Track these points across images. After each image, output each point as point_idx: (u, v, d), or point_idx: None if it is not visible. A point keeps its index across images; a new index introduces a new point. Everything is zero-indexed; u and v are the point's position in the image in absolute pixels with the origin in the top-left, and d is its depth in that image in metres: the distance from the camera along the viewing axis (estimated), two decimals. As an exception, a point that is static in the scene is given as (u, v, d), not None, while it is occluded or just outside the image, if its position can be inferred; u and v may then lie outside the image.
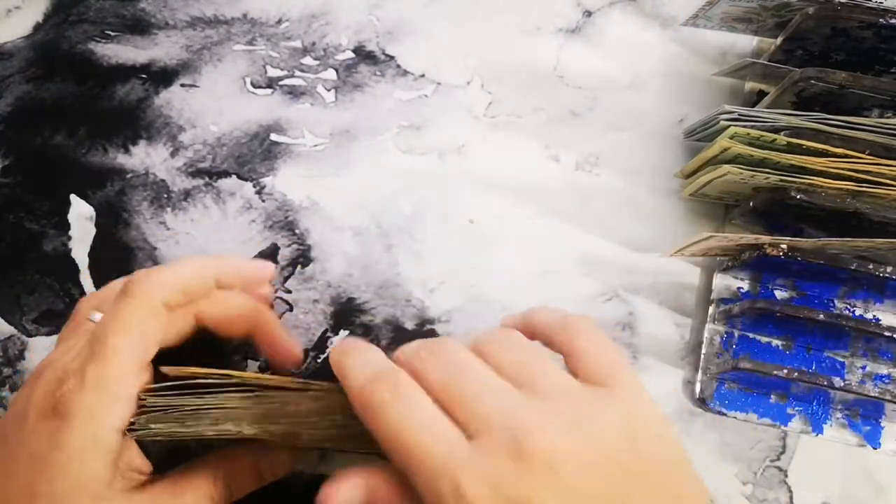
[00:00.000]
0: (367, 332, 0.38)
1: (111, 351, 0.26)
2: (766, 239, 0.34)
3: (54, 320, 0.38)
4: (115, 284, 0.31)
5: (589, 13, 0.44)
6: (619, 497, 0.24)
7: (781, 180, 0.34)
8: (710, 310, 0.38)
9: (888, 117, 0.36)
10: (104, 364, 0.26)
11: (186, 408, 0.27)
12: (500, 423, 0.24)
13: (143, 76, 0.43)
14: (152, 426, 0.27)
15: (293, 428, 0.27)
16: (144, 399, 0.27)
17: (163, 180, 0.41)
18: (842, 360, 0.37)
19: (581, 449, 0.24)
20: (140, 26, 0.44)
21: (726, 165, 0.34)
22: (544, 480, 0.23)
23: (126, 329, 0.27)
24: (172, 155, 0.41)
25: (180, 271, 0.29)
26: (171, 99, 0.42)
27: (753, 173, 0.34)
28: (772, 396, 0.37)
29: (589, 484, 0.23)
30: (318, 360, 0.38)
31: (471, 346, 0.27)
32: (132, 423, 0.27)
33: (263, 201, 0.40)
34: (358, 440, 0.27)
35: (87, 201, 0.40)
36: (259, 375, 0.28)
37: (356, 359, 0.27)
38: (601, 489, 0.23)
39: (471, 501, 0.22)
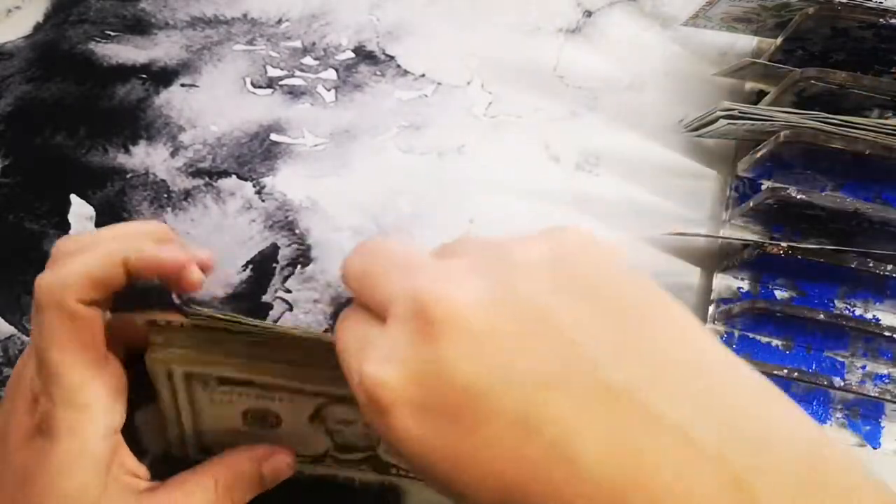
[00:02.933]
0: (368, 332, 0.38)
1: (56, 370, 0.26)
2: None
3: (54, 320, 0.38)
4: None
5: (589, 13, 0.44)
6: (545, 332, 0.19)
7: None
8: (710, 310, 0.38)
9: (888, 117, 0.36)
10: (58, 383, 0.26)
11: (208, 338, 0.27)
12: (403, 294, 0.21)
13: (144, 76, 0.43)
14: (171, 350, 0.27)
15: (318, 378, 0.27)
16: (164, 325, 0.27)
17: (163, 180, 0.41)
18: (842, 359, 0.37)
19: (486, 291, 0.20)
20: (140, 26, 0.44)
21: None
22: (448, 335, 0.19)
23: (56, 342, 0.26)
24: (172, 155, 0.41)
25: (80, 265, 0.26)
26: (172, 99, 0.42)
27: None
28: (772, 396, 0.37)
29: (499, 326, 0.19)
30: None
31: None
32: (151, 344, 0.26)
33: (263, 201, 0.40)
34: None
35: (87, 201, 0.40)
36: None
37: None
38: (518, 328, 0.19)
39: (373, 388, 0.20)
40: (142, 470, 0.28)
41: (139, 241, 0.27)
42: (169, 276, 0.27)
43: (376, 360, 0.20)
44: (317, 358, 0.26)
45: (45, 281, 0.26)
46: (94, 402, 0.26)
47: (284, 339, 0.27)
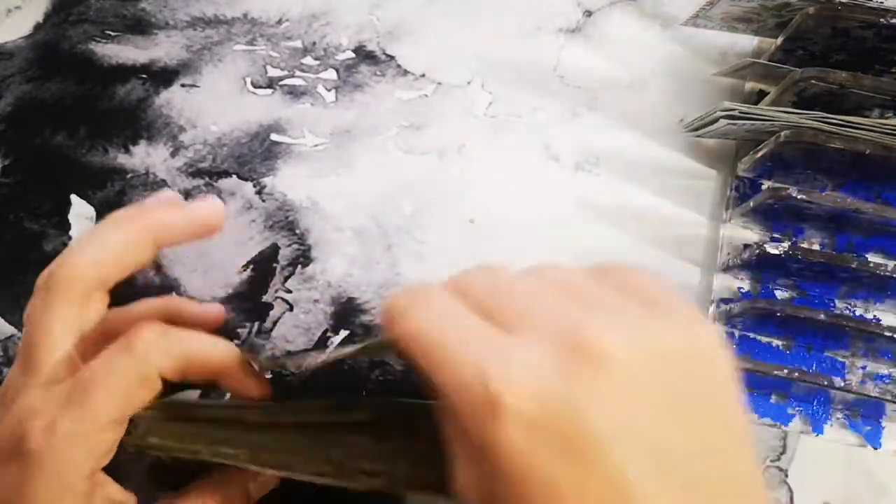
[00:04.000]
0: (368, 332, 0.38)
1: (93, 407, 0.25)
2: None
3: (54, 320, 0.38)
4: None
5: (589, 13, 0.44)
6: (670, 415, 0.20)
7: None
8: (711, 310, 0.38)
9: (888, 117, 0.36)
10: (82, 418, 0.25)
11: (185, 427, 0.27)
12: (547, 314, 0.21)
13: (144, 76, 0.43)
14: (150, 439, 0.27)
15: (289, 460, 0.27)
16: (143, 415, 0.27)
17: (163, 180, 0.41)
18: (842, 360, 0.37)
19: (639, 352, 0.20)
20: (140, 26, 0.44)
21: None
22: (593, 378, 0.19)
23: (111, 386, 0.25)
24: (173, 155, 0.41)
25: (88, 257, 0.26)
26: (172, 99, 0.42)
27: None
28: (772, 396, 0.37)
29: (641, 394, 0.20)
30: (318, 360, 0.38)
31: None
32: (128, 433, 0.27)
33: (264, 201, 0.40)
34: (353, 477, 0.27)
35: (87, 201, 0.40)
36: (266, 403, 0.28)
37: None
38: (652, 403, 0.20)
39: (498, 389, 0.19)
40: (128, 498, 0.27)
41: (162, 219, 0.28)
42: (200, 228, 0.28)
43: (509, 366, 0.19)
44: (290, 441, 0.27)
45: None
46: (94, 448, 0.25)
47: (256, 421, 0.28)
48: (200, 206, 0.28)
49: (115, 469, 0.27)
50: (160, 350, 0.26)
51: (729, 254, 0.39)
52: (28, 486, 0.25)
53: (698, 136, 0.40)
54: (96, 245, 0.27)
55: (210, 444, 0.27)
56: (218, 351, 0.27)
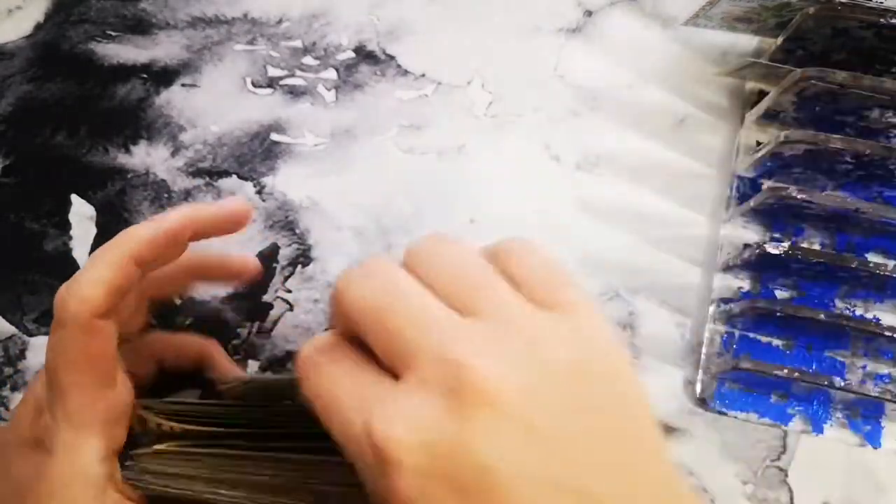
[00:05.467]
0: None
1: (63, 386, 0.26)
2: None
3: (55, 320, 0.38)
4: None
5: (589, 13, 0.44)
6: (567, 437, 0.20)
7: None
8: (711, 310, 0.38)
9: (888, 117, 0.36)
10: (62, 400, 0.26)
11: (181, 471, 0.27)
12: (428, 355, 0.20)
13: (144, 76, 0.43)
14: (146, 476, 0.27)
15: (287, 501, 0.27)
16: (139, 452, 0.27)
17: (163, 180, 0.41)
18: (842, 359, 0.37)
19: (526, 380, 0.20)
20: (141, 26, 0.44)
21: None
22: (481, 418, 0.19)
23: (68, 360, 0.26)
24: (173, 154, 0.41)
25: (95, 277, 0.26)
26: (172, 99, 0.42)
27: None
28: (772, 396, 0.37)
29: (534, 421, 0.19)
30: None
31: (404, 260, 0.23)
32: (126, 469, 0.27)
33: (264, 201, 0.40)
34: None
35: (87, 201, 0.40)
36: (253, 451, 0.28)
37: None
38: (548, 427, 0.19)
39: (384, 445, 0.19)
40: (141, 498, 0.27)
41: (138, 233, 0.27)
42: (177, 239, 0.28)
43: (391, 419, 0.19)
44: (288, 478, 0.27)
45: (61, 295, 0.26)
46: (94, 423, 0.26)
47: (254, 460, 0.28)
48: (224, 203, 0.29)
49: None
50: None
51: (729, 253, 0.39)
52: (46, 470, 0.25)
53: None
54: (82, 279, 0.26)
55: (208, 484, 0.27)
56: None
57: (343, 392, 0.21)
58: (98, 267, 0.26)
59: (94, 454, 0.26)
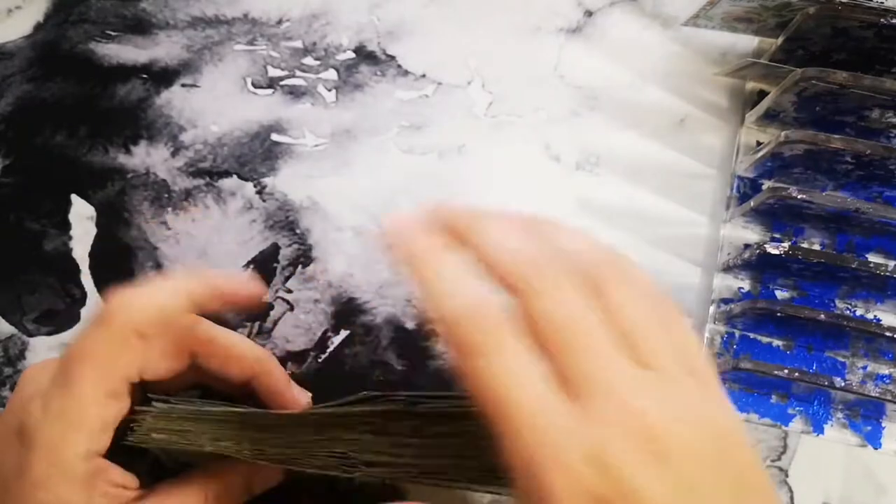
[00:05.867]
0: (368, 332, 0.38)
1: (75, 380, 0.26)
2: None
3: (55, 320, 0.38)
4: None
5: (590, 13, 0.44)
6: (717, 498, 0.21)
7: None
8: (711, 310, 0.38)
9: (888, 117, 0.36)
10: (67, 394, 0.26)
11: (187, 424, 0.27)
12: (610, 390, 0.21)
13: (144, 76, 0.43)
14: (153, 435, 0.27)
15: (292, 453, 0.27)
16: (146, 411, 0.27)
17: (163, 180, 0.41)
18: (843, 360, 0.37)
19: (693, 439, 0.21)
20: (141, 26, 0.44)
21: None
22: (656, 467, 0.20)
23: (91, 358, 0.26)
24: (173, 155, 0.41)
25: (152, 297, 0.27)
26: (172, 99, 0.42)
27: None
28: (772, 397, 0.37)
29: (697, 480, 0.21)
30: (319, 360, 0.38)
31: (581, 274, 0.23)
32: (132, 430, 0.27)
33: (264, 201, 0.40)
34: (356, 469, 0.27)
35: (87, 201, 0.40)
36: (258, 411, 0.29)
37: (446, 275, 0.23)
38: (706, 487, 0.21)
39: (572, 474, 0.20)
40: (130, 480, 0.27)
41: (209, 279, 0.28)
42: (233, 303, 0.29)
43: (577, 453, 0.20)
44: (292, 437, 0.27)
45: (115, 301, 0.26)
46: (83, 425, 0.26)
47: (259, 423, 0.28)
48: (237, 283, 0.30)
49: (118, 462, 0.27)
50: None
51: (729, 254, 0.39)
52: (27, 464, 0.25)
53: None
54: (141, 296, 0.27)
55: (213, 440, 0.27)
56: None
57: (528, 409, 0.21)
58: (162, 290, 0.27)
59: (77, 451, 0.26)
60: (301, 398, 0.31)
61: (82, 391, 0.26)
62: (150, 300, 0.27)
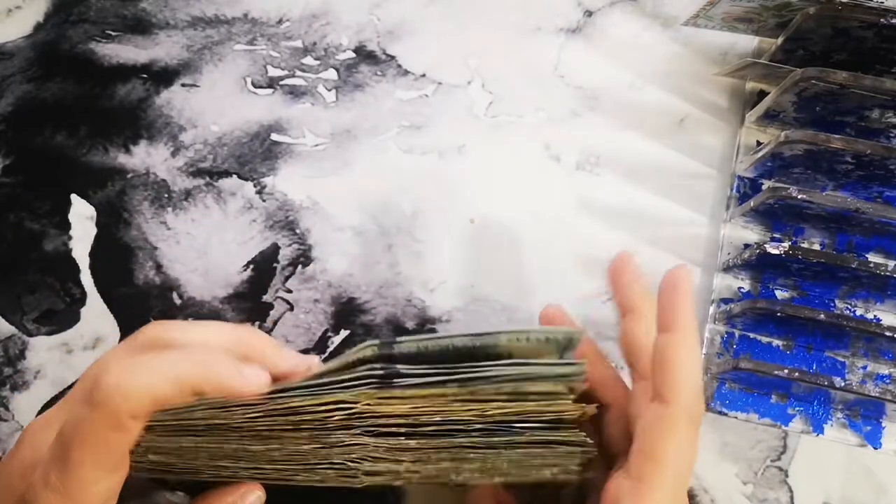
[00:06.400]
0: (368, 332, 0.38)
1: (72, 461, 0.25)
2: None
3: (55, 320, 0.38)
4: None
5: (590, 13, 0.44)
6: None
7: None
8: (711, 310, 0.38)
9: (888, 117, 0.36)
10: (65, 472, 0.25)
11: (184, 440, 0.27)
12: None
13: (144, 76, 0.43)
14: (150, 457, 0.27)
15: (290, 469, 0.27)
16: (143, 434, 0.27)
17: (163, 180, 0.41)
18: (842, 360, 0.37)
19: None
20: (141, 26, 0.44)
21: None
22: None
23: (87, 442, 0.25)
24: (173, 154, 0.41)
25: (147, 384, 0.25)
26: (172, 99, 0.42)
27: None
28: (772, 396, 0.37)
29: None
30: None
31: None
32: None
33: (264, 201, 0.40)
34: (356, 479, 0.27)
35: (87, 201, 0.40)
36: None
37: (690, 360, 0.26)
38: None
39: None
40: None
41: (215, 368, 0.26)
42: (231, 395, 0.27)
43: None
44: (291, 449, 0.27)
45: (107, 383, 0.25)
46: (86, 500, 0.25)
47: (255, 427, 0.27)
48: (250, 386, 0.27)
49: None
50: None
51: (729, 253, 0.39)
52: None
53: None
54: (136, 380, 0.26)
55: (211, 459, 0.27)
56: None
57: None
58: (158, 376, 0.25)
59: None
60: (295, 360, 0.29)
61: (81, 472, 0.25)
62: (144, 388, 0.25)
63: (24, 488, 0.26)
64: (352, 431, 0.27)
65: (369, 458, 0.27)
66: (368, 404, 0.26)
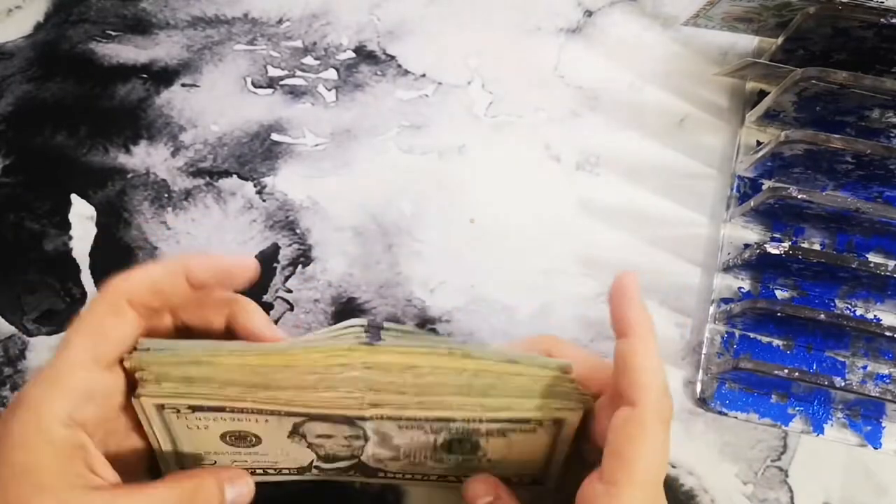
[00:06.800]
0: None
1: (67, 345, 0.26)
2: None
3: (55, 320, 0.38)
4: None
5: (590, 13, 0.44)
6: None
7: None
8: (711, 309, 0.38)
9: (889, 117, 0.36)
10: (58, 358, 0.26)
11: (192, 370, 0.27)
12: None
13: (144, 76, 0.43)
14: (163, 384, 0.27)
15: (298, 398, 0.27)
16: (147, 358, 0.27)
17: (163, 180, 0.41)
18: (843, 359, 0.37)
19: None
20: (141, 26, 0.44)
21: None
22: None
23: (84, 324, 0.27)
24: (173, 154, 0.41)
25: (149, 271, 0.28)
26: (172, 98, 0.42)
27: None
28: (773, 396, 0.37)
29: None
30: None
31: None
32: (142, 385, 0.27)
33: (264, 201, 0.40)
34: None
35: (87, 201, 0.40)
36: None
37: (651, 361, 0.27)
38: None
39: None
40: (111, 474, 0.27)
41: (203, 259, 0.29)
42: (228, 279, 0.29)
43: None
44: (284, 379, 0.27)
45: (115, 276, 0.28)
46: (67, 387, 0.26)
47: (246, 365, 0.27)
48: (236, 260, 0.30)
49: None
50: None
51: (729, 253, 0.39)
52: (10, 426, 0.25)
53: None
54: (137, 270, 0.28)
55: (221, 385, 0.27)
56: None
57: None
58: (155, 267, 0.28)
59: (56, 416, 0.26)
60: (276, 332, 0.31)
61: (70, 354, 0.26)
62: (146, 273, 0.28)
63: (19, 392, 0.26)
64: (352, 372, 0.27)
65: (372, 390, 0.26)
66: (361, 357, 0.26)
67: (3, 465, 0.25)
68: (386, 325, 0.27)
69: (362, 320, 0.27)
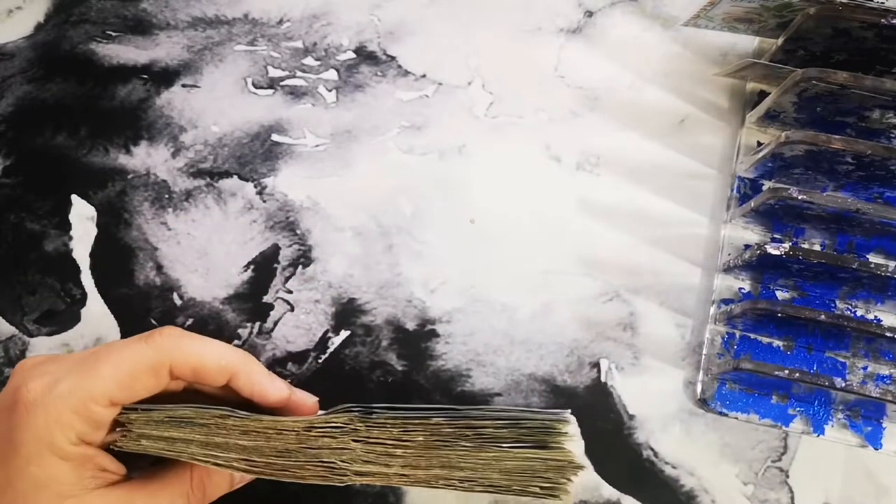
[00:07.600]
0: (369, 333, 0.38)
1: (96, 373, 0.26)
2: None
3: (55, 320, 0.38)
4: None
5: (590, 13, 0.44)
6: None
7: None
8: (711, 310, 0.38)
9: (889, 118, 0.36)
10: (80, 375, 0.26)
11: (174, 431, 0.28)
12: None
13: (145, 76, 0.43)
14: (143, 442, 0.27)
15: (281, 463, 0.27)
16: (135, 417, 0.27)
17: (164, 180, 0.41)
18: (843, 360, 0.37)
19: None
20: (141, 27, 0.44)
21: None
22: None
23: (123, 364, 0.27)
24: (174, 155, 0.41)
25: (204, 351, 0.28)
26: (173, 99, 0.42)
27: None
28: (773, 397, 0.37)
29: None
30: (319, 361, 0.38)
31: None
32: (122, 435, 0.27)
33: (264, 201, 0.40)
34: (346, 478, 0.27)
35: (88, 201, 0.40)
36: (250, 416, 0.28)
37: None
38: None
39: None
40: (119, 467, 0.28)
41: (256, 363, 0.30)
42: (286, 409, 0.30)
43: None
44: (268, 447, 0.27)
45: (173, 333, 0.28)
46: (81, 416, 0.26)
47: (237, 426, 0.28)
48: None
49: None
50: (177, 346, 0.28)
51: (730, 254, 0.39)
52: (16, 433, 0.26)
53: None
54: (200, 342, 0.29)
55: (202, 447, 0.27)
56: (231, 355, 0.29)
57: None
58: (210, 346, 0.29)
59: (70, 439, 0.26)
60: (286, 392, 0.31)
61: (95, 385, 0.26)
62: (196, 349, 0.28)
63: (19, 396, 0.27)
64: (339, 440, 0.27)
65: (359, 461, 0.27)
66: (356, 429, 0.27)
67: (20, 479, 0.26)
68: (377, 406, 0.28)
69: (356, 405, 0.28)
